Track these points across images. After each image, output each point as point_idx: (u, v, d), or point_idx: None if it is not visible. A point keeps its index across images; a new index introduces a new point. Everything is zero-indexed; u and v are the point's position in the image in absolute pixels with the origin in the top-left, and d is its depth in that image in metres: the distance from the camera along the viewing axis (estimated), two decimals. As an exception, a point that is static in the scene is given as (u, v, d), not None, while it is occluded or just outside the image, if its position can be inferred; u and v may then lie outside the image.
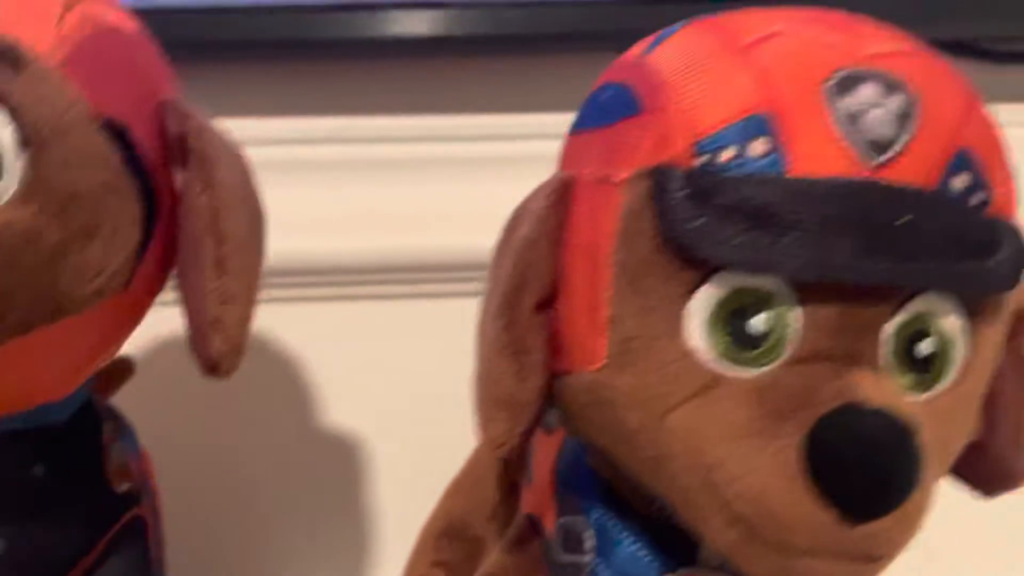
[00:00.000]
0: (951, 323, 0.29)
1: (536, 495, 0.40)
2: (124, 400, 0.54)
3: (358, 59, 0.56)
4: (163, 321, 0.54)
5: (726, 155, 0.28)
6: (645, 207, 0.28)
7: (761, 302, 0.28)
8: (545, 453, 0.40)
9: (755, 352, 0.28)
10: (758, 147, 0.27)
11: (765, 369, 0.28)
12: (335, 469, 0.56)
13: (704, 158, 0.28)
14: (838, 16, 0.30)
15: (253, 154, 0.54)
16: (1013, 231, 0.29)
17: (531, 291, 0.31)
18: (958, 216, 0.28)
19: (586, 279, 0.30)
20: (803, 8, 0.31)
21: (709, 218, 0.27)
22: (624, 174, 0.29)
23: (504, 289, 0.31)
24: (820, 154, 0.27)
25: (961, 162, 0.28)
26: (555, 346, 0.32)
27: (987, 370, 0.31)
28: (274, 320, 0.55)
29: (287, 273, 0.54)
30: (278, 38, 0.51)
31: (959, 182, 0.28)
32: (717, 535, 0.29)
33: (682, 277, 0.28)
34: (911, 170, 0.27)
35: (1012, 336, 0.33)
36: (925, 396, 0.29)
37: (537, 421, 0.32)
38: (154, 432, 0.48)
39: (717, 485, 0.28)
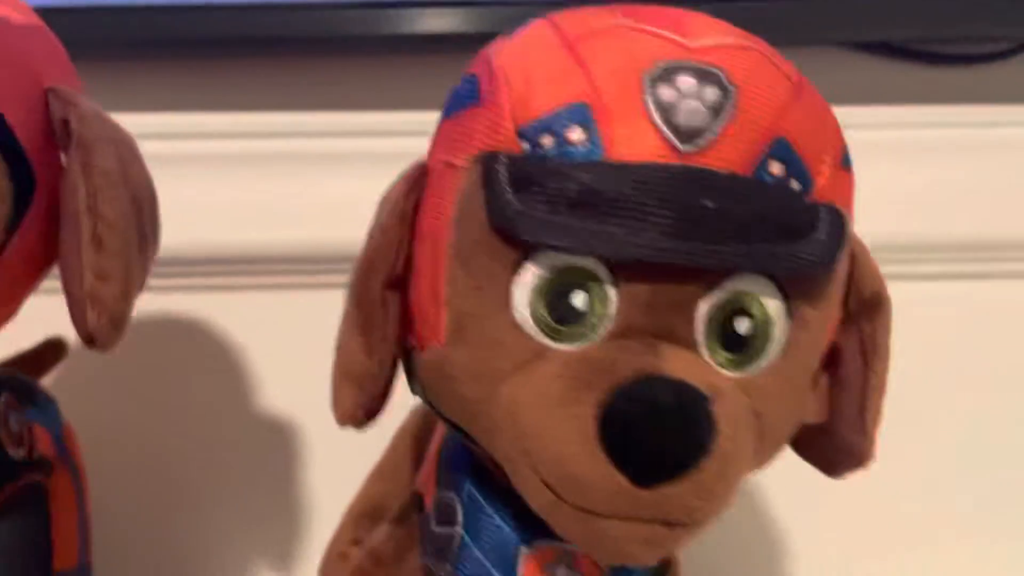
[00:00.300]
0: (769, 304, 0.30)
1: (424, 471, 0.42)
2: (61, 382, 0.56)
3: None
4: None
5: (547, 141, 0.29)
6: (476, 191, 0.30)
7: (581, 280, 0.29)
8: (439, 431, 0.42)
9: (575, 328, 0.30)
10: (576, 134, 0.29)
11: (585, 344, 0.30)
12: (270, 454, 0.57)
13: (527, 145, 0.29)
14: (674, 12, 0.32)
15: (197, 148, 0.57)
16: (833, 215, 0.30)
17: (380, 272, 0.32)
18: (770, 201, 0.29)
19: (429, 260, 0.32)
20: (644, 6, 0.32)
21: (529, 202, 0.29)
22: (462, 161, 0.31)
23: (356, 270, 0.33)
24: (635, 141, 0.29)
25: (778, 150, 0.29)
26: (409, 323, 0.34)
27: (815, 351, 0.32)
28: (212, 307, 0.57)
29: (225, 261, 0.57)
30: (204, 36, 0.52)
31: (775, 169, 0.29)
32: (534, 500, 0.30)
33: (508, 257, 0.30)
34: (723, 157, 0.29)
35: (859, 319, 0.34)
36: (743, 374, 0.30)
37: (388, 393, 0.34)
38: (91, 416, 0.50)
39: (530, 453, 0.29)
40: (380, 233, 0.32)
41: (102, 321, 0.34)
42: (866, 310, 0.34)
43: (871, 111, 0.58)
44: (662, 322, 0.29)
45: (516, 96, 0.30)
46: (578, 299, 0.30)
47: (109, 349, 0.35)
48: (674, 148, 0.28)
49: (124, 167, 0.35)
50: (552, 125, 0.29)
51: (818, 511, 0.56)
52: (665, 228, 0.28)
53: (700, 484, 0.28)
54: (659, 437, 0.27)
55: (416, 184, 0.33)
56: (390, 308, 0.33)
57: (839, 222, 0.30)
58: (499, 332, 0.30)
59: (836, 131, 0.32)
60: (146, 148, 0.55)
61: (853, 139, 0.33)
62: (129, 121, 0.56)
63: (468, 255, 0.30)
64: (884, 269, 0.34)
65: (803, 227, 0.29)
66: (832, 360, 0.35)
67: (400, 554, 0.39)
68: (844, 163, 0.32)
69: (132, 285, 0.35)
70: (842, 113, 0.33)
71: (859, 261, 0.34)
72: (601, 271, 0.29)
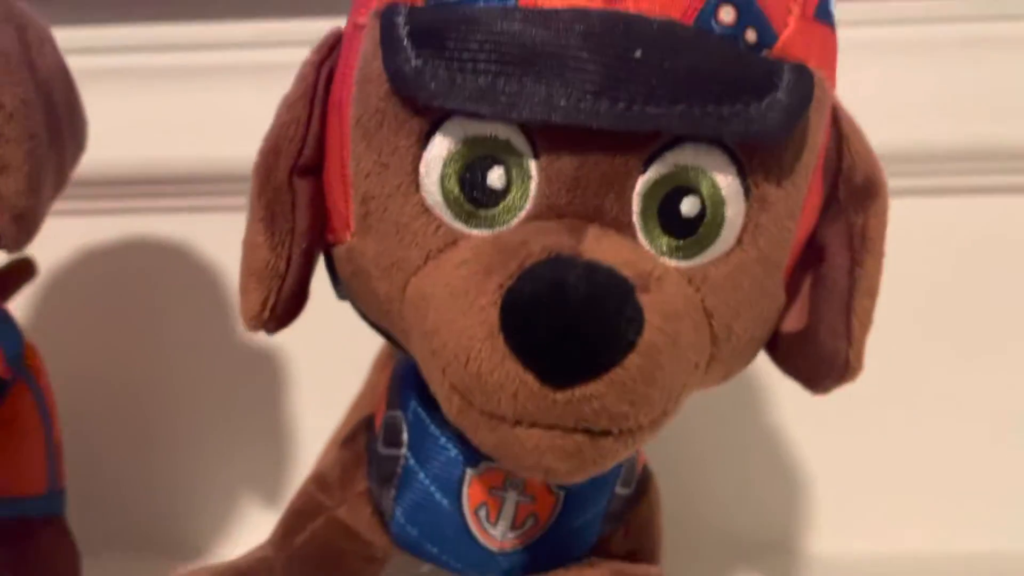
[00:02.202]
0: (720, 179, 0.25)
1: (379, 390, 0.38)
2: (36, 309, 0.54)
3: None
4: (77, 232, 0.55)
5: None
6: (375, 51, 0.26)
7: (497, 153, 0.25)
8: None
9: (494, 210, 0.26)
10: (485, -24, 0.25)
11: (503, 228, 0.26)
12: (252, 379, 0.55)
13: None
14: None
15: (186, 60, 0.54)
16: (799, 73, 0.25)
17: (286, 154, 0.29)
18: (716, 53, 0.24)
19: (337, 138, 0.28)
20: None
21: (431, 59, 0.24)
22: (364, 17, 0.27)
23: (259, 152, 0.29)
24: None
25: None
26: (327, 215, 0.30)
27: (782, 238, 0.27)
28: (192, 228, 0.55)
29: (207, 180, 0.54)
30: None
31: (725, 15, 0.25)
32: (446, 407, 0.26)
33: (413, 128, 0.26)
34: (660, 0, 0.24)
35: (848, 209, 0.29)
36: (690, 263, 0.26)
37: (301, 296, 0.31)
38: (60, 344, 0.48)
39: (436, 352, 0.25)
40: (286, 110, 0.29)
41: (3, 219, 0.31)
42: (857, 198, 0.29)
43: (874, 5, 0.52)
44: (590, 200, 0.25)
45: None
46: (494, 175, 0.25)
47: (18, 250, 0.33)
48: None
49: (27, 51, 0.32)
50: None
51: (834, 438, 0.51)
52: (587, 86, 0.23)
53: (624, 384, 0.23)
54: (566, 325, 0.23)
55: (330, 52, 0.29)
56: (299, 196, 0.29)
57: (806, 81, 0.25)
58: (407, 217, 0.26)
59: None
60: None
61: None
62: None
63: (370, 127, 0.26)
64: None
65: (758, 85, 0.24)
66: (814, 257, 0.30)
67: (346, 477, 0.35)
68: (820, 14, 0.27)
69: (39, 180, 0.32)
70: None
71: (849, 141, 0.29)
72: (519, 141, 0.25)
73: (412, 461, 0.33)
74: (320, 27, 0.51)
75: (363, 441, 0.36)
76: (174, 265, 0.55)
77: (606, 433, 0.24)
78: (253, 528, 0.54)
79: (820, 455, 0.53)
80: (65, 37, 0.53)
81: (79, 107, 0.36)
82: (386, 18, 0.25)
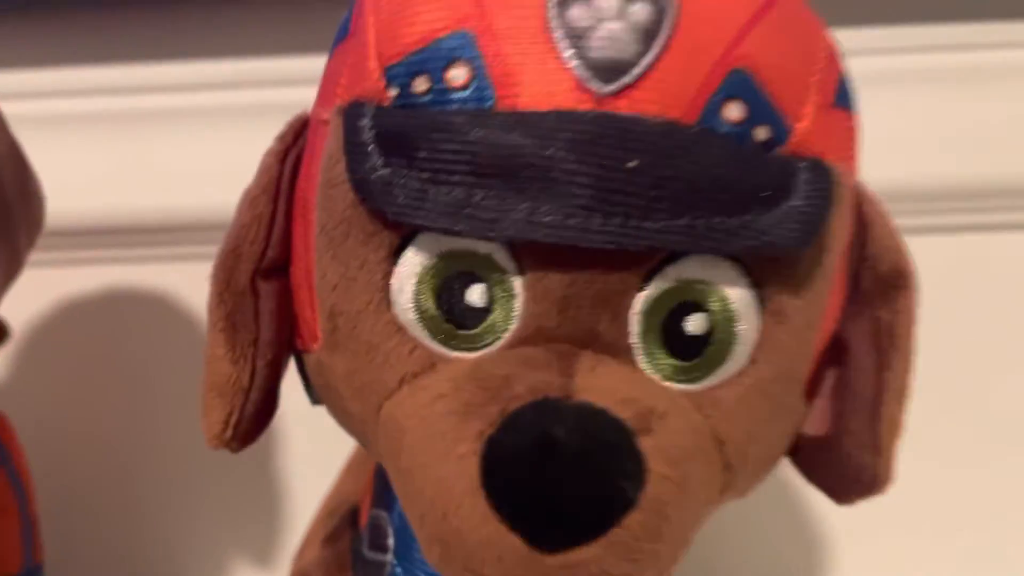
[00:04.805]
0: (730, 294, 0.22)
1: (365, 478, 0.36)
2: (12, 366, 0.52)
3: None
4: (52, 286, 0.52)
5: (419, 85, 0.22)
6: (340, 154, 0.23)
7: (477, 270, 0.22)
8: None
9: (474, 331, 0.23)
10: (458, 74, 0.22)
11: (486, 351, 0.23)
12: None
13: (397, 90, 0.22)
14: None
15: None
16: (817, 173, 0.22)
17: (248, 257, 0.26)
18: (723, 156, 0.21)
19: (302, 240, 0.25)
20: None
21: (400, 168, 0.22)
22: (328, 113, 0.24)
23: (218, 255, 0.26)
24: (535, 81, 0.21)
25: (735, 87, 0.22)
26: (294, 318, 0.27)
27: (802, 351, 0.24)
28: (177, 279, 0.52)
29: (187, 229, 0.51)
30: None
31: (732, 112, 0.22)
32: (426, 554, 0.23)
33: (381, 239, 0.23)
34: (658, 99, 0.21)
35: (874, 303, 0.26)
36: (698, 386, 0.23)
37: (269, 407, 0.28)
38: (36, 409, 0.46)
39: (410, 497, 0.23)
40: (247, 206, 0.26)
41: None
42: (882, 290, 0.26)
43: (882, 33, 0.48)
44: (583, 322, 0.22)
45: (383, 24, 0.23)
46: (475, 293, 0.23)
47: None
48: (589, 90, 0.21)
49: None
50: (427, 63, 0.22)
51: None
52: (576, 200, 0.21)
53: (625, 545, 0.21)
54: (555, 486, 0.20)
55: (295, 139, 0.26)
56: (263, 302, 0.26)
57: (824, 182, 0.22)
58: (379, 337, 0.23)
59: (826, 57, 0.23)
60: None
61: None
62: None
63: (335, 237, 0.23)
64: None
65: (771, 190, 0.21)
66: (836, 356, 0.27)
67: (330, 582, 0.33)
68: (839, 101, 0.24)
69: None
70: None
71: (873, 227, 0.26)
72: (501, 256, 0.22)
73: (399, 570, 0.30)
74: (303, 67, 0.48)
75: (347, 540, 0.34)
76: (160, 318, 0.52)
77: None
78: (245, 596, 0.52)
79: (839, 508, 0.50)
80: (46, 79, 0.51)
81: (32, 185, 0.33)
82: (350, 118, 0.23)
